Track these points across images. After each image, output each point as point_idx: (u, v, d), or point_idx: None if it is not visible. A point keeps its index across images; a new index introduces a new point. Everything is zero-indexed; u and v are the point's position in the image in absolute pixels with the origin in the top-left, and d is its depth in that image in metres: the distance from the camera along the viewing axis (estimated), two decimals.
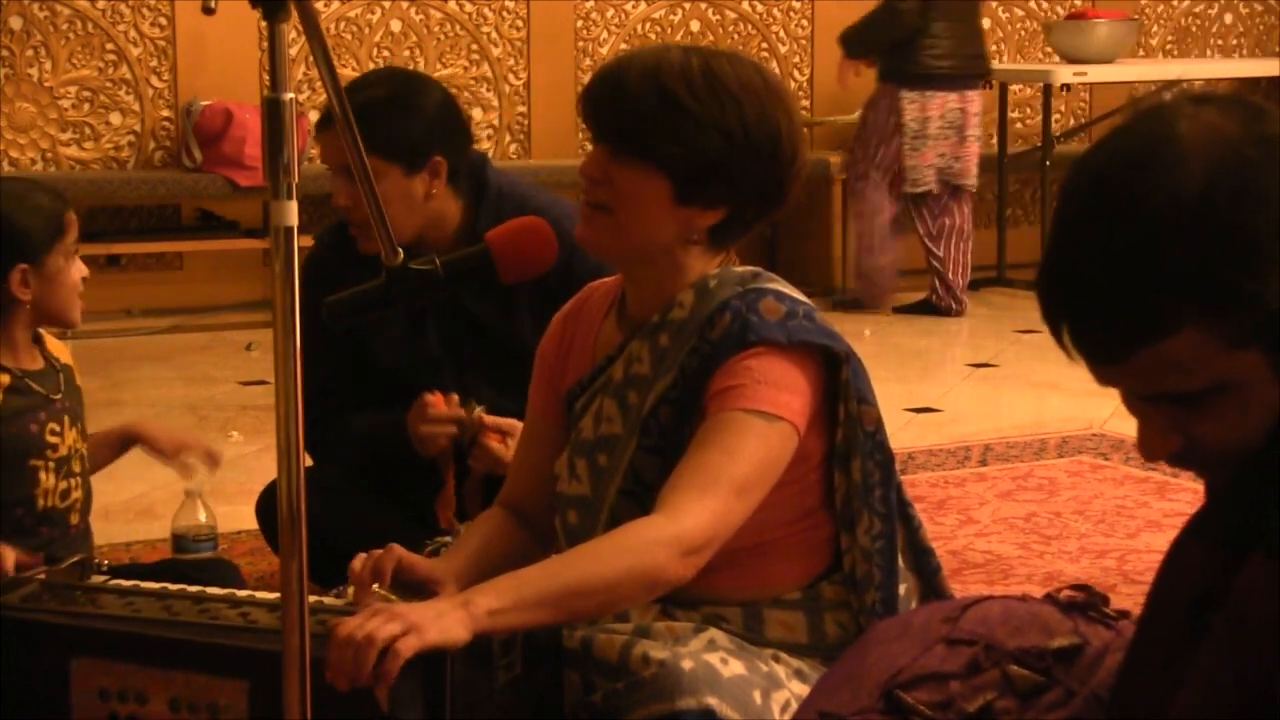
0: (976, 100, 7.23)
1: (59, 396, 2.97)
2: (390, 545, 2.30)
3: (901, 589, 2.38)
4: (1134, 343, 1.44)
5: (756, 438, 2.22)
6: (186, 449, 3.16)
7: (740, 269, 2.38)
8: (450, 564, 2.37)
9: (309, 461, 3.29)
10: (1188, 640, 1.49)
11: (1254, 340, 1.43)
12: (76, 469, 2.98)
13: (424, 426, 3.07)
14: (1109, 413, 5.25)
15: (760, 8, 8.06)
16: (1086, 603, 1.92)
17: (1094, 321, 1.46)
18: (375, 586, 2.25)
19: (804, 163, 2.36)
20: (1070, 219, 1.47)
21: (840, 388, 2.32)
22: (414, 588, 2.29)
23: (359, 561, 2.27)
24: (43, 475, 2.91)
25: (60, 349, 3.08)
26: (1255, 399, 1.46)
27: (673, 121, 2.26)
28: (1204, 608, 1.48)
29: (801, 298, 2.35)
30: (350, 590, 2.44)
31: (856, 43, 7.15)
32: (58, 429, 2.94)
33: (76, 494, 2.98)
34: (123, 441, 3.20)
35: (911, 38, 7.00)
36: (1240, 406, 1.46)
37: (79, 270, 2.98)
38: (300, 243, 1.71)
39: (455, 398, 3.07)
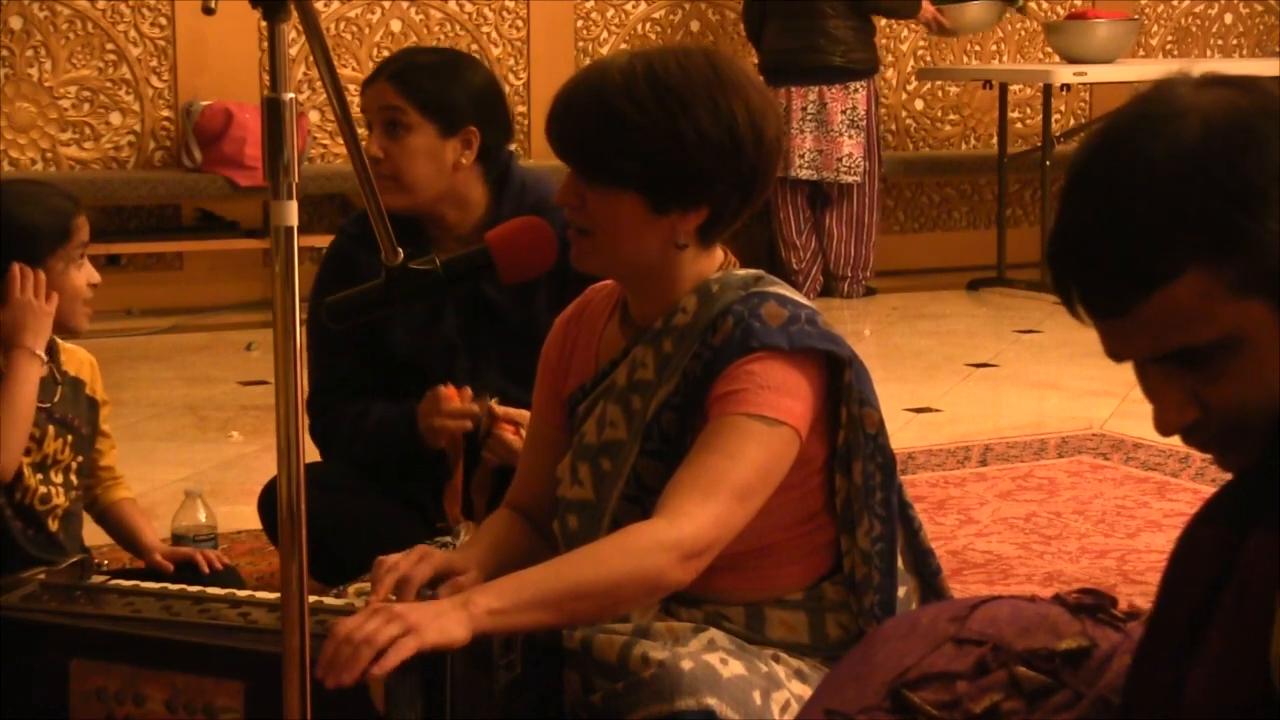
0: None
1: (46, 405, 2.93)
2: (419, 552, 2.27)
3: (901, 591, 2.38)
4: (1139, 288, 1.45)
5: (758, 442, 2.22)
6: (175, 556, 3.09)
7: (742, 272, 2.37)
8: (470, 555, 2.36)
9: (317, 456, 3.28)
10: (1202, 625, 1.50)
11: (1259, 289, 1.44)
12: (58, 479, 2.96)
13: (438, 420, 3.06)
14: (1109, 413, 5.25)
15: None
16: (1095, 605, 1.92)
17: (1100, 271, 1.47)
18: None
19: (774, 143, 2.32)
20: (1074, 181, 1.51)
21: (842, 390, 2.31)
22: (436, 583, 2.27)
23: (388, 568, 2.25)
24: (25, 471, 2.89)
25: (78, 364, 3.06)
26: (1268, 357, 1.46)
27: (625, 139, 2.25)
28: (1217, 590, 1.48)
29: (804, 301, 2.35)
30: (350, 589, 2.44)
31: None
32: (35, 434, 2.90)
33: (58, 501, 2.95)
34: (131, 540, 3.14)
35: None
36: (1253, 364, 1.47)
37: (87, 276, 2.95)
38: (301, 242, 1.70)
39: (468, 391, 3.06)
